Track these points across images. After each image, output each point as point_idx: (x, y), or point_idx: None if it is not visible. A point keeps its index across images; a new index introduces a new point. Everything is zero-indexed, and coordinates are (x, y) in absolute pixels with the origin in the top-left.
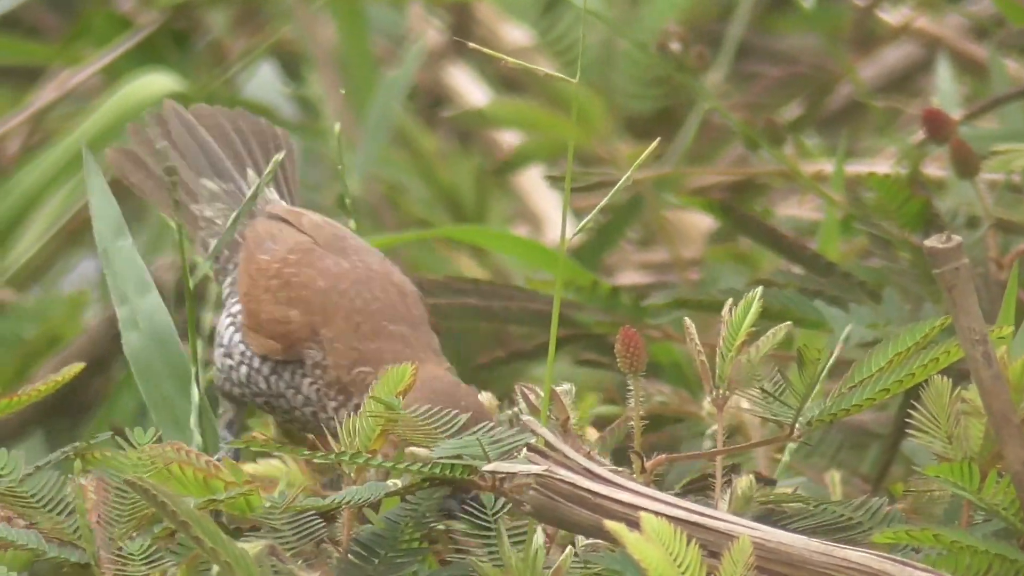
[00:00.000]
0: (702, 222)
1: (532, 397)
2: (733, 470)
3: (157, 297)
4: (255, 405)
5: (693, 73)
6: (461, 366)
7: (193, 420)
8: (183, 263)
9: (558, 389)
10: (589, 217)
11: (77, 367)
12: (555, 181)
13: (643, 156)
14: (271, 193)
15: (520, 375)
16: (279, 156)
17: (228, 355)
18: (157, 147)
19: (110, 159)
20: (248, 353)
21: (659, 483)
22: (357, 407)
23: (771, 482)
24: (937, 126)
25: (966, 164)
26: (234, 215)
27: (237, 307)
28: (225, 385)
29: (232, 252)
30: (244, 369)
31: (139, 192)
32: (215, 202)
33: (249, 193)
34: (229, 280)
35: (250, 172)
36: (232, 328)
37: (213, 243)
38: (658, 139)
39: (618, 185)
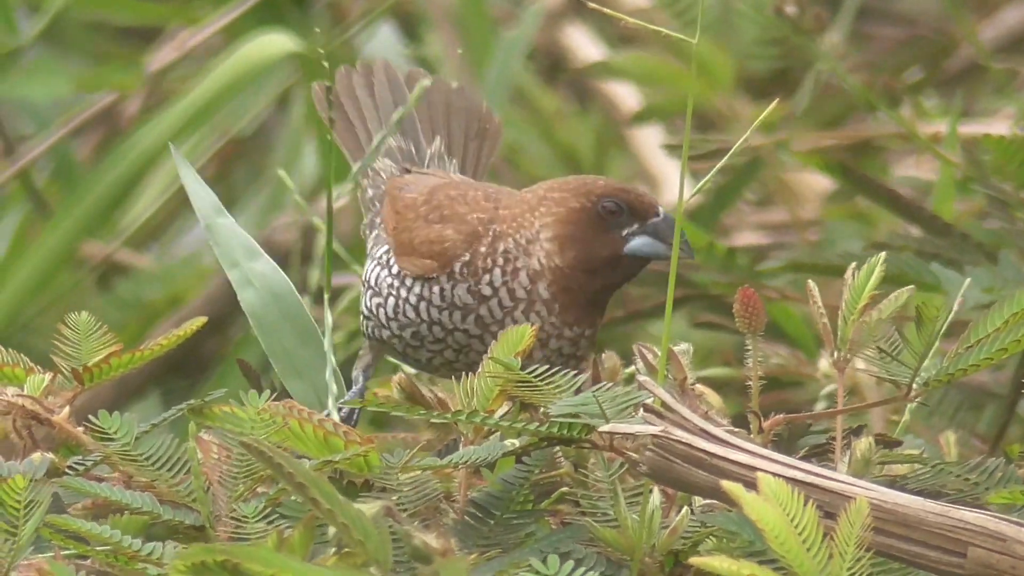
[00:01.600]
0: (819, 183)
1: (650, 357)
2: (855, 432)
3: (268, 260)
4: (397, 352)
5: (810, 35)
6: None
7: (328, 373)
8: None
9: (675, 349)
10: (706, 179)
11: (199, 321)
12: (673, 149)
13: (760, 118)
14: (449, 165)
15: (638, 335)
16: (399, 114)
17: (376, 294)
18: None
19: (315, 93)
20: (395, 284)
21: (776, 444)
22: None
23: (895, 444)
24: None
25: None
26: (373, 145)
27: (383, 249)
28: (370, 328)
29: (376, 211)
30: (392, 302)
31: (329, 127)
32: (387, 158)
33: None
34: (374, 234)
35: (437, 139)
36: (379, 267)
37: (371, 194)
38: (776, 101)
39: (735, 148)
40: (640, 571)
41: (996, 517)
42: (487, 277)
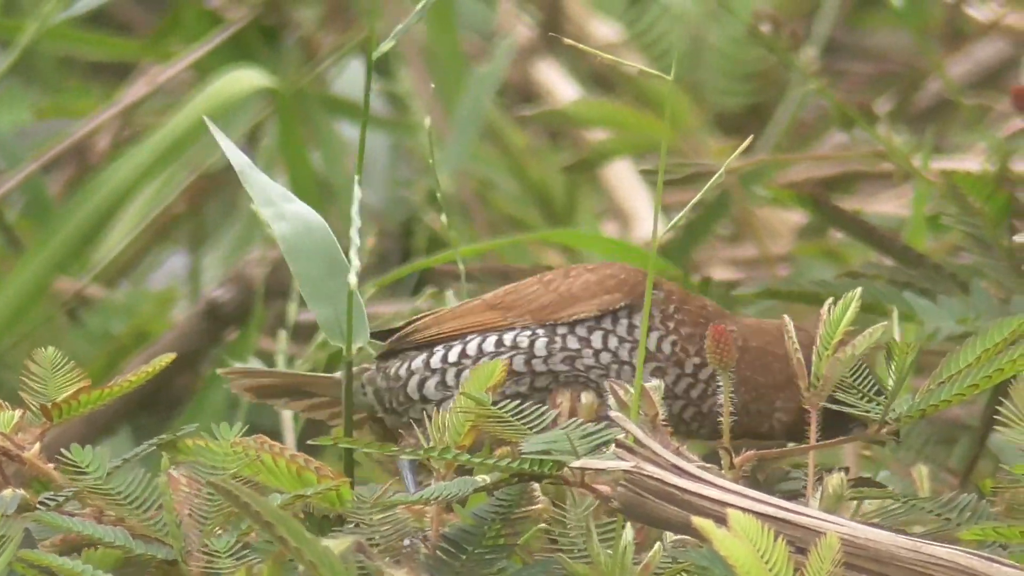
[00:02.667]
0: (791, 218)
1: (621, 393)
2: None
3: (302, 204)
4: None
5: (786, 54)
6: None
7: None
8: None
9: (647, 385)
10: (682, 213)
11: (168, 357)
12: (648, 174)
13: (737, 151)
14: None
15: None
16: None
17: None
18: None
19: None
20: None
21: (749, 479)
22: None
23: (871, 484)
24: None
25: None
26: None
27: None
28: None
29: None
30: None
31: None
32: None
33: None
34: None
35: None
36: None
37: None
38: (751, 136)
39: (712, 180)
40: None
41: (968, 552)
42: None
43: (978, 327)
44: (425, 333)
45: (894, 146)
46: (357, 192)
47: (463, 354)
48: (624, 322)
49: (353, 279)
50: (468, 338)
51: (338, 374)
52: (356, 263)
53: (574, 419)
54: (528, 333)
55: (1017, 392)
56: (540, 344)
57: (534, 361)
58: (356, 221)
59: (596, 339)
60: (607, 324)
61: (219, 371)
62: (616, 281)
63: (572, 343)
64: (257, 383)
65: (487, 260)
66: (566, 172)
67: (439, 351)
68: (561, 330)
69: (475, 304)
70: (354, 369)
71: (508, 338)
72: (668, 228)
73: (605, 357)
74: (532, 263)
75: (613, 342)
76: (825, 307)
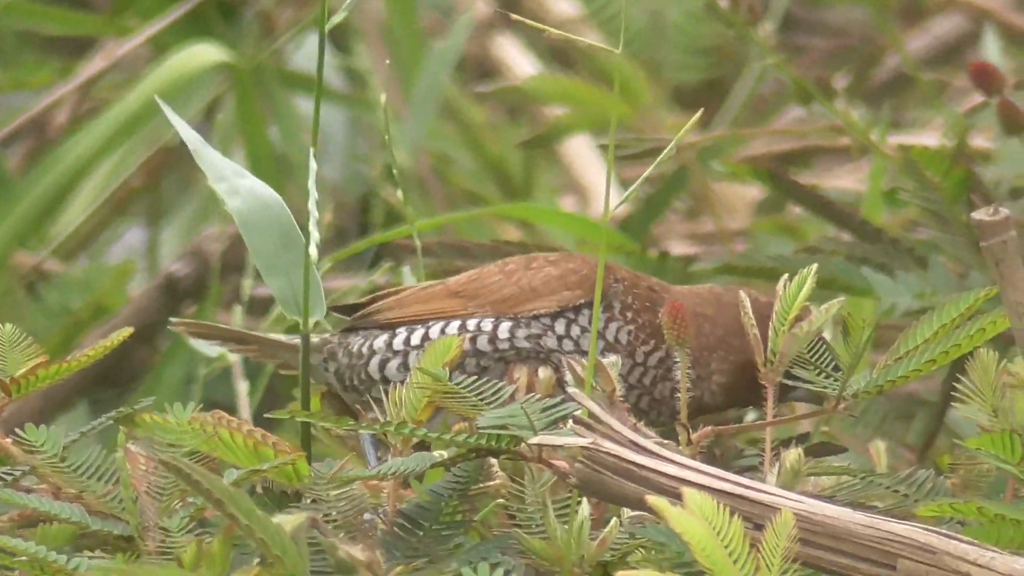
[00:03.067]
0: (748, 193)
1: (578, 368)
2: (790, 443)
3: (256, 180)
4: None
5: (744, 28)
6: None
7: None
8: None
9: (604, 361)
10: (635, 186)
11: (126, 332)
12: (606, 149)
13: (688, 125)
14: None
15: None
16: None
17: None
18: None
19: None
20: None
21: (706, 455)
22: None
23: (833, 451)
24: (986, 79)
25: (1013, 121)
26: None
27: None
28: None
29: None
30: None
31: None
32: None
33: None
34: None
35: None
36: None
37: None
38: (702, 109)
39: (663, 154)
40: None
41: (926, 529)
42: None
43: (936, 302)
44: (387, 314)
45: (852, 121)
46: (313, 164)
47: (426, 337)
48: (586, 313)
49: (313, 251)
50: (430, 323)
51: (297, 339)
52: (315, 235)
53: (532, 395)
54: (491, 320)
55: (974, 368)
56: (504, 327)
57: (497, 342)
58: (313, 193)
59: (559, 326)
60: (569, 314)
61: (172, 321)
62: (578, 277)
63: (536, 328)
64: (208, 333)
65: (445, 235)
66: (524, 147)
67: (402, 332)
68: (524, 322)
69: (438, 289)
70: (315, 339)
71: (471, 324)
72: (621, 201)
73: (568, 344)
74: (490, 238)
75: (576, 331)
76: (780, 283)
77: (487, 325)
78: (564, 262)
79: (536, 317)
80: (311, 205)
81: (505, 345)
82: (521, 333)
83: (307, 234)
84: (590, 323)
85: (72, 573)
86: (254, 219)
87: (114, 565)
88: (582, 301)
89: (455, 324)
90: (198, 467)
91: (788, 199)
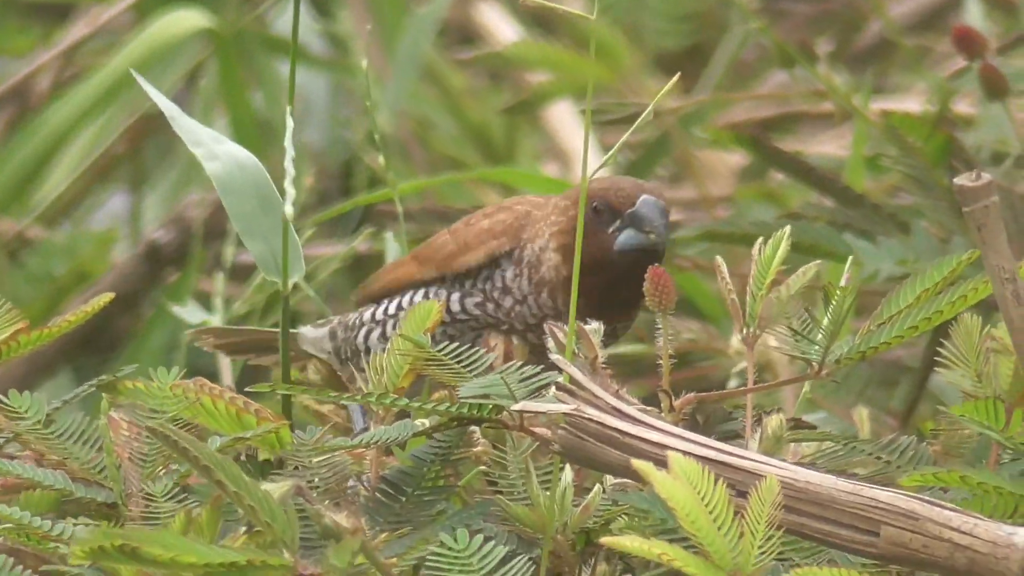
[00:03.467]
0: (731, 160)
1: (560, 335)
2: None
3: (234, 144)
4: None
5: None
6: None
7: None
8: None
9: (586, 327)
10: (613, 151)
11: (107, 297)
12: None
13: (666, 88)
14: None
15: None
16: None
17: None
18: None
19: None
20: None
21: (688, 421)
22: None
23: (809, 427)
24: (968, 43)
25: (995, 86)
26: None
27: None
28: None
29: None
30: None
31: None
32: None
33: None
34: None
35: None
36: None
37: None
38: (679, 73)
39: (640, 119)
40: (551, 549)
41: (908, 496)
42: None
43: (918, 268)
44: (372, 286)
45: (834, 85)
46: (290, 122)
47: (400, 307)
48: (504, 264)
49: (289, 209)
50: (406, 292)
51: (303, 329)
52: (292, 193)
53: (512, 363)
54: (445, 290)
55: (958, 333)
56: (455, 298)
57: (454, 312)
58: (290, 151)
59: (489, 283)
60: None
61: (187, 334)
62: (503, 226)
63: (476, 296)
64: (225, 341)
65: (427, 200)
66: (507, 113)
67: (384, 303)
68: (468, 282)
69: (406, 257)
70: (320, 322)
71: (431, 293)
72: (600, 166)
73: (507, 300)
74: (471, 204)
75: (500, 280)
76: (756, 247)
77: (443, 295)
78: (497, 212)
79: (469, 273)
80: (287, 163)
81: (463, 316)
82: (470, 302)
83: (284, 193)
84: (514, 275)
85: (57, 538)
86: (233, 182)
87: (104, 531)
88: (506, 249)
89: (420, 293)
90: (185, 434)
91: (770, 165)
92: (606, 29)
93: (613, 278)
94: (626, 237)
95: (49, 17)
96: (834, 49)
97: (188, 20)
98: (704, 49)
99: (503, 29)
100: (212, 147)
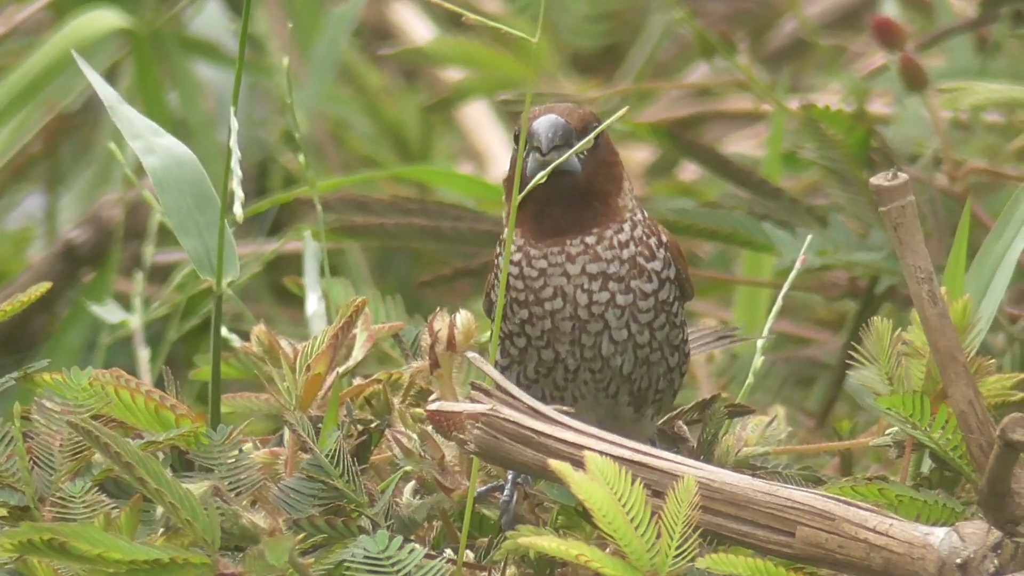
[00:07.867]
0: (639, 156)
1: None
2: (708, 404)
3: (173, 139)
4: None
5: None
6: (406, 283)
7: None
8: None
9: None
10: (548, 169)
11: (44, 287)
12: (505, 104)
13: (616, 116)
14: None
15: (466, 295)
16: None
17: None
18: None
19: None
20: None
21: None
22: None
23: (745, 412)
24: (888, 35)
25: (915, 78)
26: None
27: None
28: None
29: None
30: None
31: None
32: None
33: None
34: None
35: None
36: None
37: None
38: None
39: (586, 139)
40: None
41: (824, 496)
42: None
43: (837, 259)
44: None
45: (753, 75)
46: (234, 123)
47: None
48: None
49: (239, 210)
50: None
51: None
52: (240, 194)
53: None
54: None
55: (869, 336)
56: None
57: None
58: (236, 152)
59: None
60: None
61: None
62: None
63: None
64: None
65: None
66: (425, 112)
67: None
68: None
69: None
70: None
71: None
72: (532, 185)
73: None
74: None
75: None
76: None
77: None
78: None
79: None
80: (234, 163)
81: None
82: None
83: (223, 195)
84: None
85: None
86: (169, 178)
87: (32, 525)
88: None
89: None
90: (107, 430)
91: (687, 158)
92: (524, 27)
93: (540, 206)
94: (529, 163)
95: None
96: (749, 47)
97: (105, 20)
98: (620, 49)
99: (418, 28)
100: (150, 140)
